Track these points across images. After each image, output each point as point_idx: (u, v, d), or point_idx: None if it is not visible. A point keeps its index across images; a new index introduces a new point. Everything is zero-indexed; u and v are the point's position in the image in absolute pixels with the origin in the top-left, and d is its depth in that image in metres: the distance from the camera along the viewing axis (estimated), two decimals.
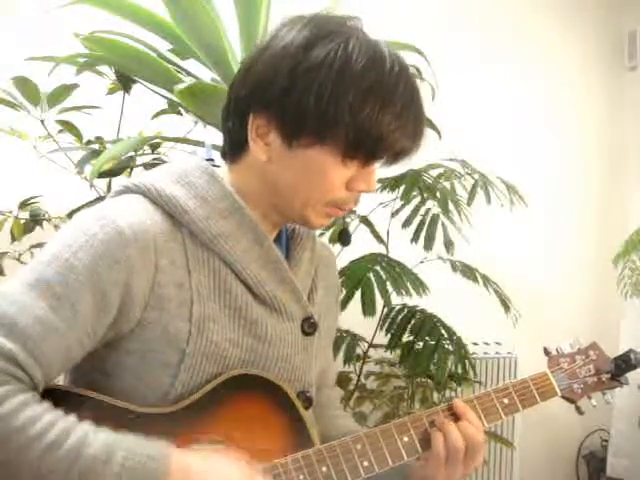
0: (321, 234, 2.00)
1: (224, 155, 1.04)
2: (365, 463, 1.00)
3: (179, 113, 1.88)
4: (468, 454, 1.04)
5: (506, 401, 1.12)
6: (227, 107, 1.01)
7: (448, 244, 2.12)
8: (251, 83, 0.96)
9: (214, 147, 1.19)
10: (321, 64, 0.91)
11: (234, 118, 0.99)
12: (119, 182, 1.03)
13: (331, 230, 2.03)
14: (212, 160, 1.07)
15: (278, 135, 0.94)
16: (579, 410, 1.22)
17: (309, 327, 1.06)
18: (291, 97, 0.91)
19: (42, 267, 0.88)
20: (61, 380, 0.98)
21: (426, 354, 2.04)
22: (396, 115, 0.92)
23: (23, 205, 1.96)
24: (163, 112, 1.91)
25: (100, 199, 1.66)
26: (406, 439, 1.04)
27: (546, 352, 1.23)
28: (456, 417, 1.07)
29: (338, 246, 1.91)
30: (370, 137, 0.92)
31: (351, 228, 2.11)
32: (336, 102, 0.90)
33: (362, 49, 0.92)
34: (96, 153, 1.79)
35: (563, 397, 1.20)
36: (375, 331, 2.21)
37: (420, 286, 1.99)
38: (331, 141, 0.92)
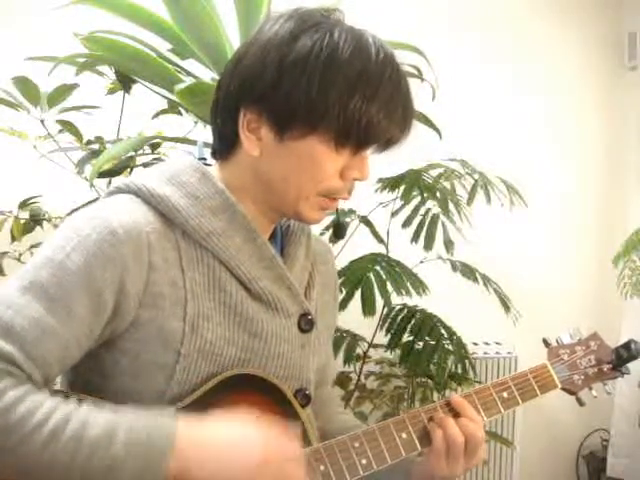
0: (321, 233, 2.00)
1: (214, 153, 1.04)
2: (363, 461, 1.00)
3: (179, 113, 1.88)
4: (468, 450, 1.04)
5: (505, 395, 1.12)
6: (215, 105, 1.01)
7: (448, 244, 2.12)
8: (239, 79, 0.96)
9: (205, 145, 1.19)
10: (308, 55, 0.91)
11: (224, 115, 0.99)
12: (117, 182, 1.03)
13: (331, 230, 2.03)
14: (204, 159, 1.07)
15: (269, 129, 0.95)
16: (580, 401, 1.21)
17: (306, 324, 1.05)
18: (280, 90, 0.92)
19: (36, 270, 0.88)
20: (58, 382, 0.98)
21: (426, 354, 2.05)
22: (384, 102, 0.93)
23: (23, 205, 1.97)
24: (163, 112, 1.91)
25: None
26: (404, 436, 1.04)
27: (546, 343, 1.22)
28: (455, 413, 1.07)
29: (338, 246, 1.92)
30: (360, 124, 0.92)
31: (351, 228, 2.11)
32: (325, 92, 0.91)
33: (347, 38, 0.93)
34: (96, 153, 1.80)
35: (563, 389, 1.19)
36: (375, 331, 2.21)
37: (420, 286, 1.99)
38: (322, 131, 0.92)
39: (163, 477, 0.81)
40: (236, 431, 0.87)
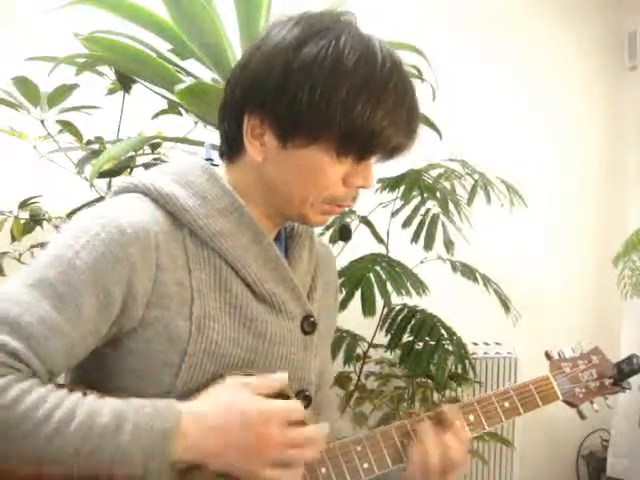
0: (321, 234, 2.00)
1: (222, 155, 1.04)
2: (365, 465, 1.00)
3: (179, 113, 1.88)
4: (444, 469, 1.02)
5: (507, 405, 1.12)
6: (223, 107, 1.01)
7: (448, 244, 2.13)
8: (244, 84, 0.96)
9: (213, 147, 1.19)
10: (313, 62, 0.91)
11: (229, 119, 0.99)
12: (118, 182, 1.03)
13: (331, 230, 2.03)
14: (211, 160, 1.07)
15: (273, 135, 0.94)
16: (581, 414, 1.22)
17: (308, 326, 1.05)
18: (284, 97, 0.92)
19: (44, 268, 0.88)
20: (60, 379, 0.98)
21: (426, 354, 2.04)
22: (388, 111, 0.92)
23: (23, 205, 1.96)
24: (163, 112, 1.91)
25: (100, 199, 1.66)
26: (406, 442, 1.04)
27: (548, 356, 1.23)
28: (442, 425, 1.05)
29: (338, 246, 1.92)
30: (363, 134, 0.92)
31: (351, 228, 2.11)
32: (328, 100, 0.90)
33: (354, 45, 0.92)
34: (96, 153, 1.80)
35: (565, 401, 1.20)
36: (375, 331, 2.21)
37: (420, 286, 1.99)
38: (325, 139, 0.92)
39: (171, 458, 0.83)
40: (233, 396, 0.90)
